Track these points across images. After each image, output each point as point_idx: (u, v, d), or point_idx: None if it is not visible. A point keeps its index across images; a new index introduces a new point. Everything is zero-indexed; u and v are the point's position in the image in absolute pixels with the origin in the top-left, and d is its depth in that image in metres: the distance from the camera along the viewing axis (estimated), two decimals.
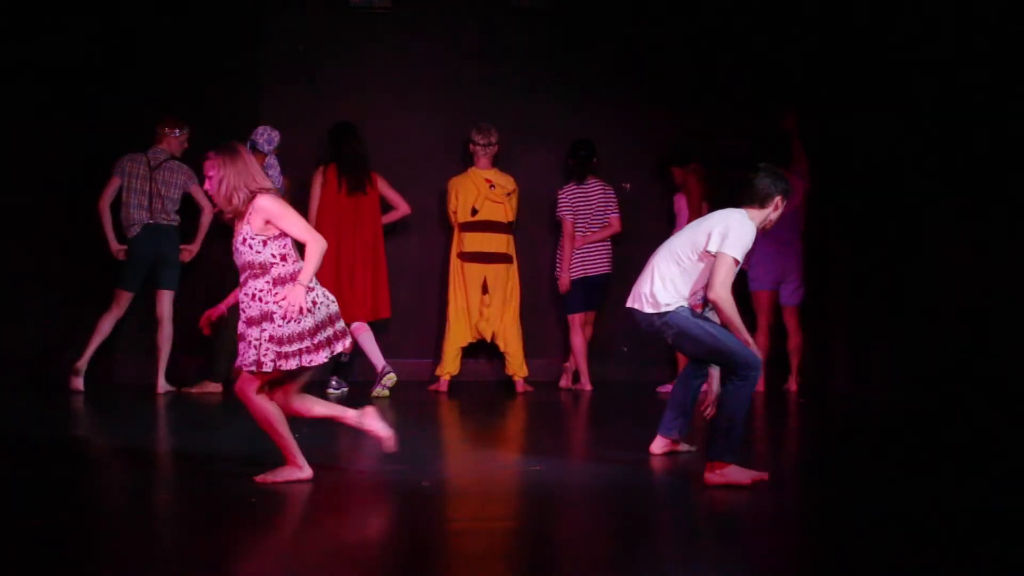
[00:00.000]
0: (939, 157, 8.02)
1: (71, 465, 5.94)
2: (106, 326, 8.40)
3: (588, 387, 8.97)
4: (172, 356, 8.52)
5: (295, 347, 5.17)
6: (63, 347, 8.60)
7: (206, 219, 8.52)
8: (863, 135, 8.72)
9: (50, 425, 7.12)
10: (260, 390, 5.27)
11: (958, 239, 7.91)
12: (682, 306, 5.58)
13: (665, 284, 5.59)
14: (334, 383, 8.57)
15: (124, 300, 8.42)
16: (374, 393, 8.43)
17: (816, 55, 9.04)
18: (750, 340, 5.46)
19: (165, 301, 8.46)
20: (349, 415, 5.48)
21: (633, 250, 9.19)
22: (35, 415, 7.49)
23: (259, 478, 5.34)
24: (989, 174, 7.63)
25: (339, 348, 5.29)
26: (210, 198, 5.62)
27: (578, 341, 8.98)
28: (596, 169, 8.99)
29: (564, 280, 8.89)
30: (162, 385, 8.42)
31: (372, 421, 5.49)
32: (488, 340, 8.95)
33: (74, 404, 7.94)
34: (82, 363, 8.32)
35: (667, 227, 9.11)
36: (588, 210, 8.91)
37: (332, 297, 5.35)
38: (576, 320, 8.98)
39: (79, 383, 8.29)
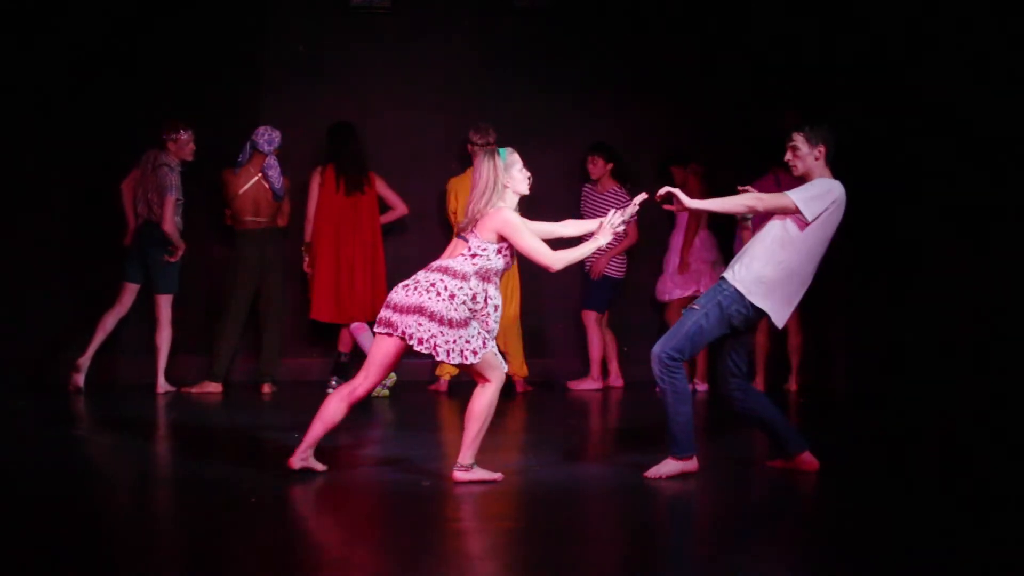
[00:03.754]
0: (939, 155, 8.02)
1: (70, 465, 5.94)
2: (109, 322, 8.38)
3: (620, 382, 9.14)
4: (172, 356, 8.50)
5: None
6: (64, 347, 8.58)
7: (165, 223, 8.26)
8: (863, 135, 8.71)
9: (50, 425, 7.12)
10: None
11: (959, 238, 7.91)
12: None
13: None
14: (334, 383, 8.56)
15: (127, 293, 8.38)
16: (374, 393, 8.41)
17: (816, 55, 9.03)
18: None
19: (160, 305, 8.41)
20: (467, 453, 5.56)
21: (631, 250, 9.20)
22: (35, 415, 7.48)
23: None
24: (990, 173, 7.62)
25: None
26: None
27: (607, 337, 9.11)
28: (615, 173, 9.03)
29: (601, 264, 8.89)
30: (162, 385, 8.41)
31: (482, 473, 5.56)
32: None
33: (74, 404, 7.94)
34: (84, 360, 8.30)
35: (667, 228, 9.12)
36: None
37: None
38: (602, 318, 9.06)
39: (80, 380, 8.27)
